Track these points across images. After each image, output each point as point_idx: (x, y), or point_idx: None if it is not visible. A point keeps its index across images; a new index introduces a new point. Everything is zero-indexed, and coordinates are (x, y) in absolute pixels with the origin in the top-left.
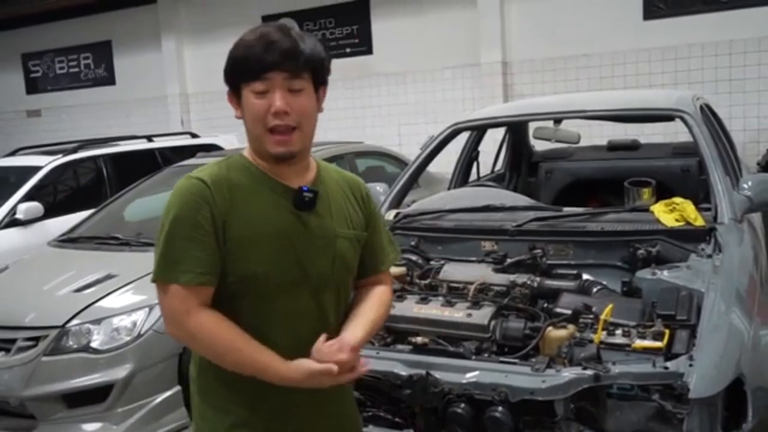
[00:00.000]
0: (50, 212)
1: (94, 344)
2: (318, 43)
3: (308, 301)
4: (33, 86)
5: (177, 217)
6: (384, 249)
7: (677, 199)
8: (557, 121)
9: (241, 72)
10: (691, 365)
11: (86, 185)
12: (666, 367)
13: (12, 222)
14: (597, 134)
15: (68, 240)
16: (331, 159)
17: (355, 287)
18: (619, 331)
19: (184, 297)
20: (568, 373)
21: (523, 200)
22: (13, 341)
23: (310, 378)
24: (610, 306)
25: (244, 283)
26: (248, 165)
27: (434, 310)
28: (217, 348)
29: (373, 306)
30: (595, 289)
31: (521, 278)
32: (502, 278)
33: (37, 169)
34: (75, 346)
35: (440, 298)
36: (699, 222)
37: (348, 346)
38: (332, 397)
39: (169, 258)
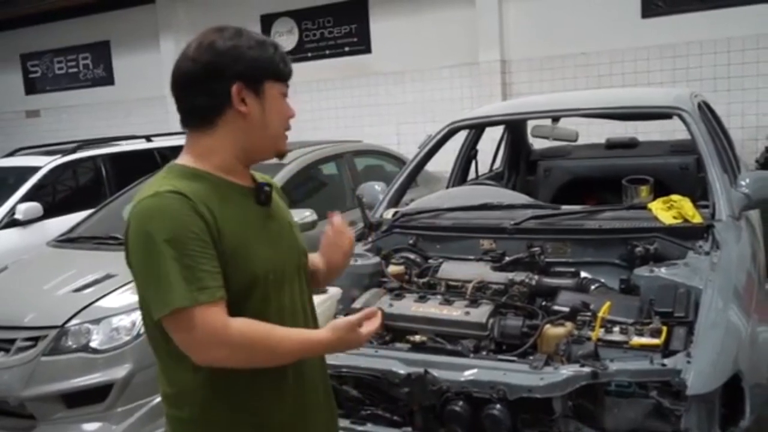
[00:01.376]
0: (49, 212)
1: (93, 344)
2: None
3: (291, 295)
4: (32, 86)
5: (173, 236)
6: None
7: (675, 197)
8: (555, 120)
9: (279, 70)
10: (688, 362)
11: (85, 185)
12: (663, 364)
13: (11, 222)
14: (595, 132)
15: (67, 240)
16: (329, 158)
17: None
18: (616, 329)
19: (214, 314)
20: (566, 371)
21: (521, 198)
22: (12, 341)
23: (350, 331)
24: (608, 303)
25: (247, 288)
26: (199, 173)
27: (432, 308)
28: (268, 345)
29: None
30: (593, 287)
31: (519, 276)
32: (501, 276)
33: (36, 169)
34: (74, 346)
35: (438, 297)
36: (697, 219)
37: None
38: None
39: (184, 281)
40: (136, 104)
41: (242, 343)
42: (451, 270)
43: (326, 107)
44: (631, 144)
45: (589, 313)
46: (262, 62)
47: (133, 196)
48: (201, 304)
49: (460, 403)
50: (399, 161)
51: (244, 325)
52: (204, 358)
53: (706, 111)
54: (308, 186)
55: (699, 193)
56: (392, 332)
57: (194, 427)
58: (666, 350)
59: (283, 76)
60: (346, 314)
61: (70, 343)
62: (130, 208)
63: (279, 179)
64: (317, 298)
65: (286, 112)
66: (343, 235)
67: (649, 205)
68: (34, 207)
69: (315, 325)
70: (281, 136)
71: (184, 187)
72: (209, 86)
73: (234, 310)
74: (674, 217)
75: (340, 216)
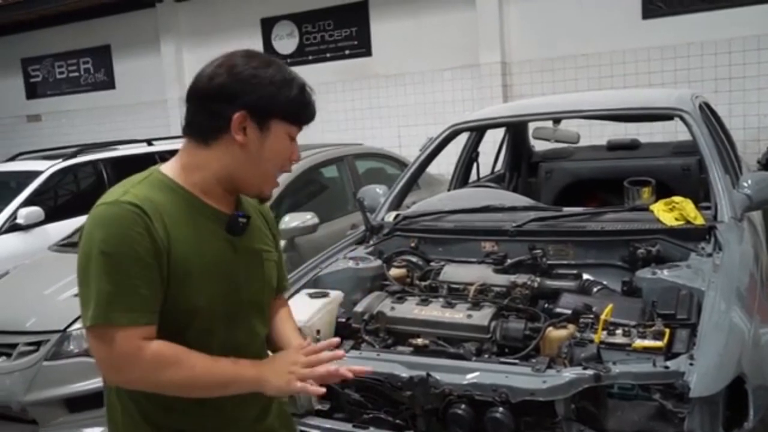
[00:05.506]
0: (51, 217)
1: None
2: None
3: (242, 330)
4: (33, 91)
5: (115, 252)
6: (284, 269)
7: (677, 198)
8: (556, 121)
9: (296, 113)
10: (691, 364)
11: (86, 189)
12: (666, 367)
13: (13, 227)
14: (597, 134)
15: (69, 244)
16: (330, 161)
17: None
18: (619, 331)
19: (129, 337)
20: (569, 374)
21: (522, 200)
22: (14, 346)
23: (289, 376)
24: (610, 306)
25: (186, 316)
26: (174, 186)
27: (434, 311)
28: (183, 370)
29: (295, 330)
30: (595, 289)
31: (521, 279)
32: (503, 279)
33: (37, 173)
34: (76, 351)
35: (440, 300)
36: (699, 221)
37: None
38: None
39: (108, 298)
40: (137, 108)
41: (155, 367)
42: (453, 273)
43: (327, 110)
44: (632, 145)
45: (591, 316)
46: (278, 100)
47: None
48: (121, 326)
49: (463, 406)
50: (400, 164)
51: (162, 346)
52: (114, 379)
53: (708, 112)
54: (309, 189)
55: (701, 194)
56: (394, 335)
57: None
58: (669, 352)
59: (297, 120)
60: (347, 319)
61: (72, 347)
62: (93, 207)
63: (280, 182)
64: (319, 302)
65: (287, 154)
66: None
67: (651, 207)
68: (36, 211)
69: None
70: (270, 177)
71: (150, 198)
72: (215, 107)
73: (173, 337)
74: (676, 219)
75: None
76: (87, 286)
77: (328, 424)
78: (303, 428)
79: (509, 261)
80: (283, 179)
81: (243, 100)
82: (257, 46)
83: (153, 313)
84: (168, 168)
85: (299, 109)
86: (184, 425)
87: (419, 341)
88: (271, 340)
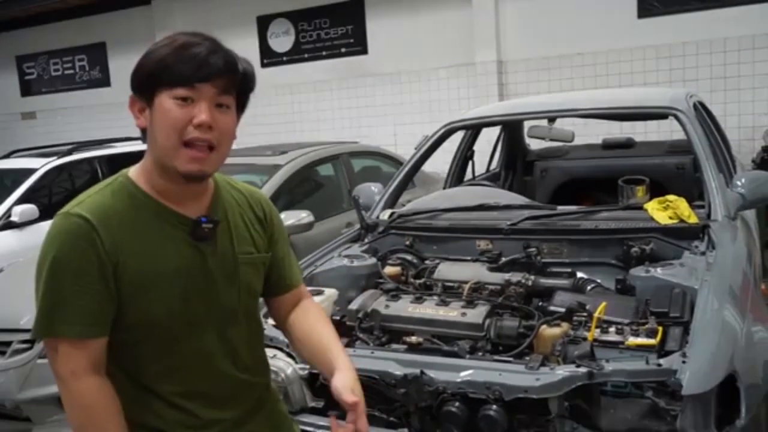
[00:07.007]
0: (45, 214)
1: None
2: (250, 66)
3: (215, 340)
4: (27, 88)
5: (57, 266)
6: (291, 262)
7: (671, 197)
8: (551, 120)
9: (168, 74)
10: (684, 362)
11: (81, 187)
12: (659, 364)
13: (7, 224)
14: (592, 133)
15: None
16: (326, 159)
17: (273, 305)
18: (612, 329)
19: (70, 354)
20: (562, 371)
21: (517, 199)
22: (8, 344)
23: None
24: (604, 304)
25: (144, 328)
26: (135, 191)
27: (429, 309)
28: (85, 424)
29: (331, 332)
30: (589, 287)
31: (516, 277)
32: (497, 277)
33: (32, 171)
34: None
35: (435, 298)
36: (692, 219)
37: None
38: None
39: (52, 310)
40: None
41: (71, 402)
42: (448, 271)
43: (323, 108)
44: (627, 144)
45: (585, 314)
46: (147, 68)
47: None
48: (65, 337)
49: (457, 403)
50: (396, 162)
51: (94, 388)
52: (58, 388)
53: (702, 111)
54: (305, 187)
55: (695, 193)
56: (388, 333)
57: None
58: (662, 350)
59: (173, 79)
60: (342, 317)
61: None
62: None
63: (275, 181)
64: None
65: (178, 119)
66: None
67: (645, 206)
68: (30, 209)
69: (262, 369)
70: (172, 151)
71: (105, 208)
72: None
73: (133, 348)
74: (670, 218)
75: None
76: (37, 297)
77: (322, 421)
78: None
79: (504, 259)
80: (279, 178)
81: (132, 83)
82: (253, 43)
83: (99, 326)
84: (134, 171)
85: (170, 66)
86: (159, 424)
87: (413, 339)
88: (306, 351)
